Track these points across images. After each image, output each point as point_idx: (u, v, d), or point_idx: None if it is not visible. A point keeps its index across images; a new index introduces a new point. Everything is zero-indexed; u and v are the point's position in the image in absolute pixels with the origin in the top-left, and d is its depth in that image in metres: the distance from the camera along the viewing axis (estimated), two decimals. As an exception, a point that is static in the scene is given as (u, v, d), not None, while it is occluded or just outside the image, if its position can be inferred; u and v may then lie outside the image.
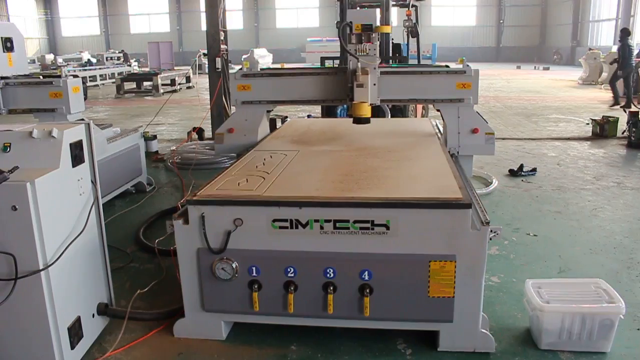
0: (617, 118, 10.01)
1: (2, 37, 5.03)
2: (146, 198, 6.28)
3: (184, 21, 48.81)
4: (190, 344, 3.20)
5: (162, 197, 6.43)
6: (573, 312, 3.03)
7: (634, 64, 14.43)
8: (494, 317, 3.42)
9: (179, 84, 21.55)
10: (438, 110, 4.69)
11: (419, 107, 9.37)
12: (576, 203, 5.91)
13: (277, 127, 5.98)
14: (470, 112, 4.57)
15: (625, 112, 10.24)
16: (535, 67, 33.99)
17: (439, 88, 4.51)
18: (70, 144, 2.87)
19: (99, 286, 3.24)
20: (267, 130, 5.08)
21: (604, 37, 35.54)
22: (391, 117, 7.78)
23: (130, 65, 29.92)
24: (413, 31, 9.11)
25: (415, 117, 8.90)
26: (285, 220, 2.91)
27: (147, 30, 48.54)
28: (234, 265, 2.98)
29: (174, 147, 8.56)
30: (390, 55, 9.02)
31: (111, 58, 32.26)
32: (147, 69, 29.65)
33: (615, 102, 14.26)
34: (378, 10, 4.43)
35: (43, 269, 2.61)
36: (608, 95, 17.21)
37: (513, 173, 7.13)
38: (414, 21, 9.16)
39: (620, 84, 14.49)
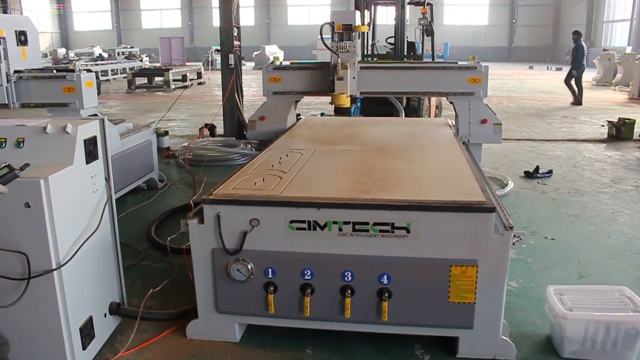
0: (634, 120, 9.86)
1: (16, 31, 5.00)
2: (158, 195, 6.23)
3: (196, 17, 48.85)
4: (203, 346, 3.14)
5: (174, 194, 6.38)
6: (597, 320, 2.95)
7: (585, 64, 15.44)
8: (513, 323, 3.33)
9: (191, 79, 21.53)
10: (451, 102, 5.17)
11: (433, 106, 9.29)
12: (594, 206, 5.80)
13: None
14: (480, 104, 5.07)
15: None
16: (547, 67, 33.69)
17: (453, 82, 5.04)
18: (85, 140, 2.81)
19: (111, 285, 3.18)
20: (294, 119, 5.53)
21: (618, 38, 35.21)
22: (405, 116, 7.70)
23: (141, 60, 29.90)
24: (428, 30, 9.01)
25: (429, 116, 8.80)
26: (303, 222, 2.84)
27: (159, 25, 48.61)
28: (249, 267, 2.91)
29: (186, 144, 8.51)
30: (405, 53, 8.94)
31: (123, 53, 32.28)
32: (158, 64, 29.66)
33: (575, 100, 15.25)
34: (358, 12, 5.07)
35: (56, 269, 2.56)
36: (623, 96, 17.07)
37: (529, 175, 7.02)
38: (429, 19, 9.05)
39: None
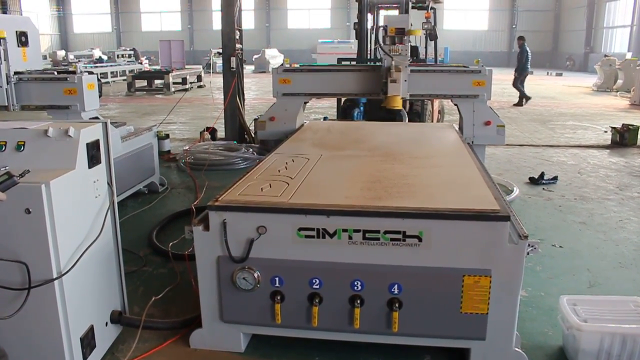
0: (638, 126, 9.78)
1: (17, 31, 4.91)
2: (159, 199, 6.14)
3: (196, 20, 48.85)
4: (206, 356, 3.05)
5: (175, 198, 6.29)
6: (613, 332, 2.86)
7: (529, 68, 16.61)
8: (524, 333, 3.24)
9: (191, 82, 21.46)
10: (456, 105, 5.31)
11: (435, 111, 9.23)
12: (601, 214, 5.72)
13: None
14: (483, 106, 5.22)
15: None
16: (547, 72, 33.67)
17: (457, 85, 5.19)
18: (87, 144, 2.72)
19: (113, 293, 3.09)
20: (303, 120, 5.68)
21: (618, 44, 35.23)
22: (408, 121, 7.63)
23: (141, 64, 29.84)
24: (432, 34, 8.96)
25: (432, 121, 8.74)
26: (312, 229, 2.76)
27: (159, 28, 48.59)
28: (255, 275, 2.83)
29: (187, 147, 8.43)
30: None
31: (122, 55, 32.21)
32: (157, 67, 29.60)
33: (520, 102, 16.36)
34: (408, 16, 5.57)
35: (57, 278, 2.46)
36: (624, 102, 17.03)
37: (533, 181, 6.94)
38: (432, 23, 8.99)
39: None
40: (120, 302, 3.18)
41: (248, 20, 45.40)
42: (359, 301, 2.78)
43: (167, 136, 8.69)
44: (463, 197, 2.92)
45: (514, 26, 45.18)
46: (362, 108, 8.31)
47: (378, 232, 2.72)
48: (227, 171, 7.36)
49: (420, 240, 2.70)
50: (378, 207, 2.74)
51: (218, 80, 10.20)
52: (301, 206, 2.79)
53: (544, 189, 6.71)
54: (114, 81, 24.44)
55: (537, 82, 26.45)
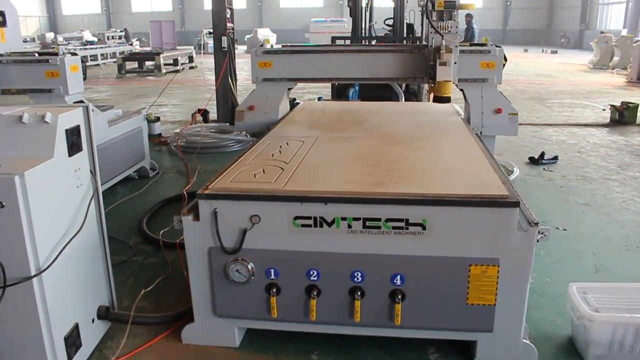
0: (637, 104, 9.63)
1: (-7, 11, 4.68)
2: (149, 184, 5.95)
3: (186, 0, 48.08)
4: (199, 351, 2.91)
5: (166, 183, 6.10)
6: (626, 322, 2.72)
7: None
8: (532, 322, 3.10)
9: (182, 64, 21.12)
10: (461, 90, 4.63)
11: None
12: (603, 194, 5.58)
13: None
14: (493, 91, 4.60)
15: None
16: (542, 50, 33.43)
17: (463, 67, 4.46)
18: (66, 130, 2.52)
19: (99, 288, 2.92)
20: (288, 108, 5.02)
21: (614, 21, 34.93)
22: (405, 100, 7.45)
23: (132, 45, 29.37)
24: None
25: (429, 101, 8.55)
26: (309, 218, 2.59)
27: (149, 9, 47.86)
28: (249, 267, 2.67)
29: (178, 130, 8.22)
30: (405, 35, 8.67)
31: (112, 37, 31.69)
32: (148, 49, 29.15)
33: None
34: None
35: (35, 275, 2.28)
36: (621, 79, 16.87)
37: (533, 161, 6.79)
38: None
39: None
40: (107, 296, 3.02)
41: (240, 0, 44.79)
42: (359, 293, 2.63)
43: (158, 119, 8.46)
44: (468, 182, 2.75)
45: (508, 3, 44.76)
46: (357, 87, 8.11)
47: (379, 220, 2.55)
48: (220, 154, 7.20)
49: (424, 228, 2.54)
50: (379, 194, 2.57)
51: (209, 61, 9.95)
52: (297, 193, 2.61)
53: (544, 169, 6.56)
54: (104, 63, 24.04)
55: (532, 60, 26.31)
